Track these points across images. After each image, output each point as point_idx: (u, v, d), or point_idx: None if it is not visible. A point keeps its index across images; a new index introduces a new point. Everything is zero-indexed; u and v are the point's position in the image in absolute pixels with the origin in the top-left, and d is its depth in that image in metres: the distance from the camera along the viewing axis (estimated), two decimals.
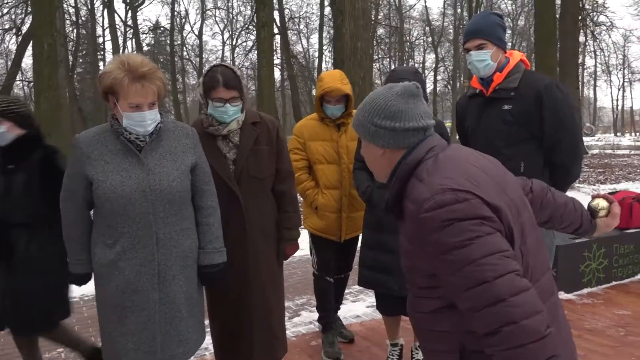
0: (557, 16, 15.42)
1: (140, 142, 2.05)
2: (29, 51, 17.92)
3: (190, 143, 2.18)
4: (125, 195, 1.98)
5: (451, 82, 39.01)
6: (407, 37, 38.33)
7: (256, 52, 17.41)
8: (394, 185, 1.35)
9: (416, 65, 39.58)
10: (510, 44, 36.88)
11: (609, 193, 5.08)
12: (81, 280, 2.17)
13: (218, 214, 2.27)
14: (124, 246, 2.01)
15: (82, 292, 4.99)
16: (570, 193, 8.03)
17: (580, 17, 19.85)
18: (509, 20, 37.14)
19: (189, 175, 2.14)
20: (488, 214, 1.22)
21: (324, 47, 32.55)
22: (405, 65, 33.60)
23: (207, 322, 2.68)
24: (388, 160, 1.40)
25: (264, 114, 2.69)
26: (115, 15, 28.91)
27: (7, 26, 22.14)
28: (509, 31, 37.10)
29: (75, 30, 27.41)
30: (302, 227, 2.97)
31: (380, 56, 34.28)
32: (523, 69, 2.56)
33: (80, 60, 30.32)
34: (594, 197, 1.74)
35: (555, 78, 13.53)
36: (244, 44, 35.85)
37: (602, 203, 1.70)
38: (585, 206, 1.72)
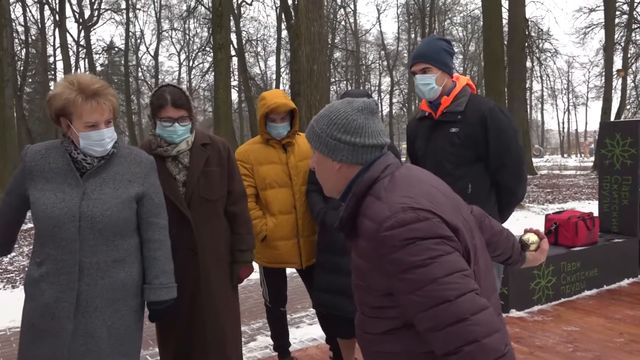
0: (505, 43, 16.11)
1: (87, 164, 1.96)
2: None
3: (140, 172, 2.06)
4: (55, 217, 1.89)
5: (406, 105, 39.90)
6: (363, 61, 39.10)
7: (213, 73, 17.34)
8: (350, 203, 1.33)
9: (372, 88, 40.40)
10: (462, 68, 38.17)
11: (556, 212, 5.27)
12: None
13: (167, 248, 2.13)
14: (48, 268, 1.92)
15: (8, 324, 4.76)
16: (520, 212, 8.30)
17: (526, 44, 20.81)
18: (460, 45, 38.50)
19: (131, 206, 2.01)
20: (448, 234, 1.23)
21: (282, 70, 32.82)
22: (361, 88, 34.21)
23: (157, 349, 2.60)
24: (343, 176, 1.37)
25: (214, 135, 2.65)
26: (68, 34, 28.25)
27: None
28: (460, 56, 38.50)
29: (24, 49, 26.62)
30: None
31: (337, 79, 34.78)
32: (469, 92, 2.64)
33: (30, 80, 29.44)
34: (525, 232, 1.78)
35: (504, 101, 14.07)
36: (201, 65, 35.72)
37: (532, 238, 1.74)
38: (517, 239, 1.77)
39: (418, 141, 2.78)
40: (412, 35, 37.94)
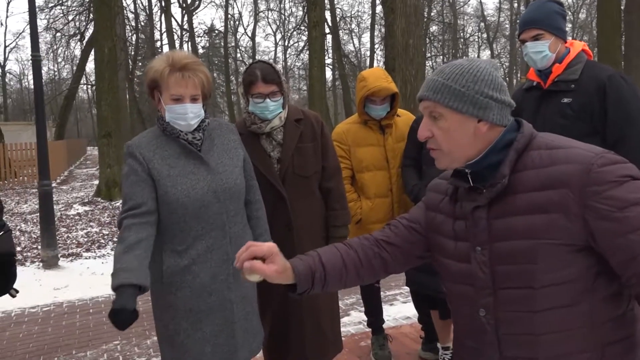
0: (622, 7, 14.65)
1: (197, 141, 2.01)
2: (92, 56, 18.79)
3: (237, 139, 2.17)
4: (199, 198, 1.94)
5: (507, 79, 37.89)
6: (461, 34, 37.55)
7: (307, 52, 17.49)
8: (511, 157, 1.21)
9: None
10: (570, 37, 35.41)
11: None
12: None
13: (264, 207, 2.25)
14: (198, 250, 1.97)
15: None
16: None
17: None
18: (570, 13, 35.69)
19: (242, 172, 2.12)
20: None
21: (375, 46, 32.40)
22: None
23: None
24: (482, 139, 1.24)
25: (307, 109, 2.63)
26: (172, 19, 29.83)
27: (72, 32, 23.27)
28: (569, 25, 35.72)
29: (134, 35, 28.50)
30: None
31: (433, 54, 33.75)
32: (585, 59, 2.40)
33: (140, 64, 31.52)
34: None
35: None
36: (296, 44, 36.23)
37: None
38: None
39: (524, 114, 2.58)
40: (515, 5, 35.73)
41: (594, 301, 1.17)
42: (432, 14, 31.73)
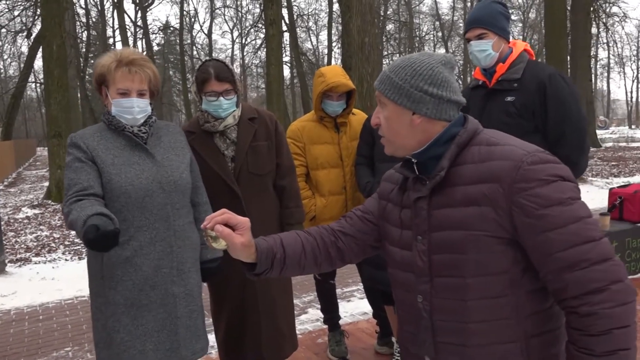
0: (568, 8, 15.23)
1: (143, 134, 2.01)
2: (40, 53, 18.11)
3: (184, 140, 2.19)
4: (144, 188, 1.94)
5: (462, 76, 38.77)
6: (417, 32, 38.17)
7: (265, 49, 17.40)
8: (452, 152, 1.26)
9: None
10: (521, 37, 36.55)
11: (621, 186, 4.98)
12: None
13: (210, 209, 2.24)
14: (141, 241, 1.94)
15: (75, 293, 5.02)
16: (582, 187, 7.92)
17: (592, 9, 19.58)
18: (520, 13, 36.83)
19: (189, 169, 2.13)
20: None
21: (333, 44, 32.52)
22: None
23: (210, 320, 2.67)
24: (420, 131, 1.28)
25: (262, 108, 2.64)
26: (125, 15, 29.08)
27: (18, 28, 22.36)
28: (519, 24, 36.86)
29: (86, 32, 27.63)
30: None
31: (390, 52, 34.16)
32: (527, 59, 2.50)
33: (92, 62, 30.56)
34: None
35: (567, 71, 13.35)
36: (253, 42, 36.04)
37: None
38: None
39: (471, 111, 2.66)
40: (469, 4, 36.59)
41: (520, 294, 1.22)
42: (388, 12, 32.15)
